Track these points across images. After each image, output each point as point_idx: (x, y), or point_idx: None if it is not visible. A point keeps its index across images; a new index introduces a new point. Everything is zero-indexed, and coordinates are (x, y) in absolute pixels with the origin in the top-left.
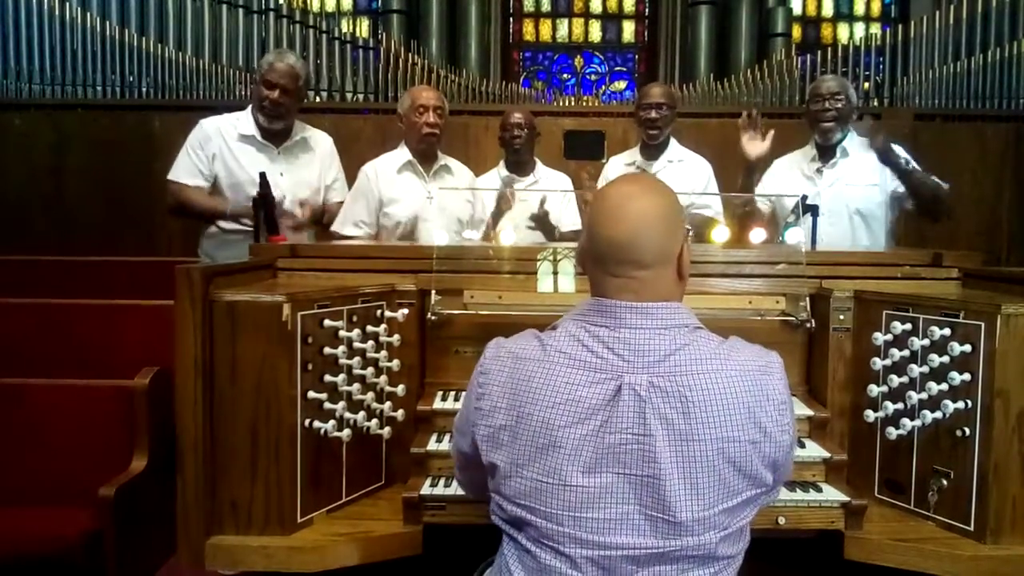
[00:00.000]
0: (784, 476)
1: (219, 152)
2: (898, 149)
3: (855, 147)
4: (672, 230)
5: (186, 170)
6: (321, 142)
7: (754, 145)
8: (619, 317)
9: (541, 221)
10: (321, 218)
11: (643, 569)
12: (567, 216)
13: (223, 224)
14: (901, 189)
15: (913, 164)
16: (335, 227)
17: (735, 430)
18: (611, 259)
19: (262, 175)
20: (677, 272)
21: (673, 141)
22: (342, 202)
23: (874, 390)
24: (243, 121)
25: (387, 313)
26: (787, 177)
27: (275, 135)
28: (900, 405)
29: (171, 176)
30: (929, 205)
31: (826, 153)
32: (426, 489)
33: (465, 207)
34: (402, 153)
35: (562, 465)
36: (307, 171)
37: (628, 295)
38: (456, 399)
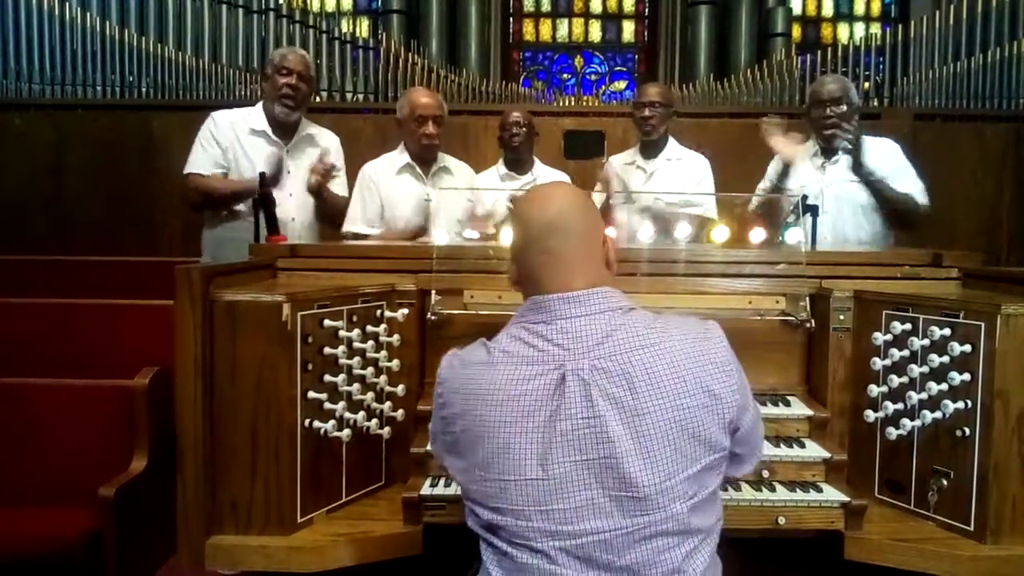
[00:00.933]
0: (754, 440)
1: (230, 145)
2: (871, 165)
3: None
4: (592, 213)
5: (204, 162)
6: (327, 140)
7: (789, 146)
8: (554, 310)
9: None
10: (321, 191)
11: (621, 557)
12: None
13: (225, 223)
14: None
15: (882, 179)
16: (346, 226)
17: (684, 397)
18: (541, 235)
19: (262, 175)
20: (605, 260)
21: (672, 140)
22: (344, 196)
23: (874, 390)
24: (254, 116)
25: (387, 313)
26: (797, 170)
27: (285, 130)
28: (900, 405)
29: (189, 169)
30: (899, 216)
31: (829, 151)
32: (426, 489)
33: (465, 206)
34: (401, 156)
35: (519, 461)
36: None
37: (559, 273)
38: None
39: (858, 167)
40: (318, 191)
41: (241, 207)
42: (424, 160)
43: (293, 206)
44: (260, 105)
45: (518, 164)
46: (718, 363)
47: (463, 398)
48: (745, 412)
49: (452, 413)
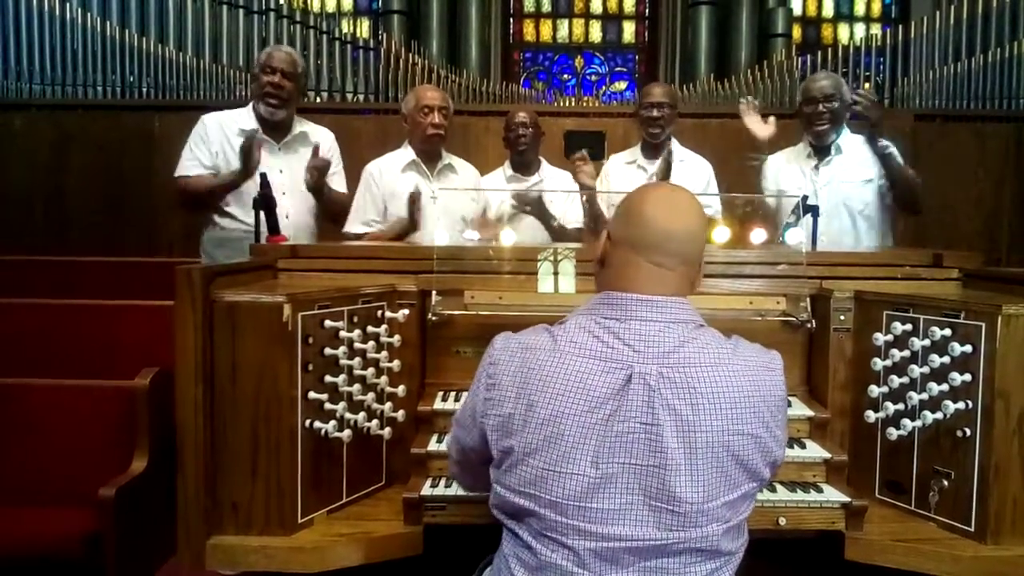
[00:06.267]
0: (776, 471)
1: (220, 148)
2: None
3: (849, 144)
4: (704, 236)
5: (192, 164)
6: (321, 137)
7: (761, 127)
8: (629, 310)
9: (535, 205)
10: (321, 188)
11: (647, 561)
12: (572, 214)
13: (224, 224)
14: (883, 180)
15: (893, 150)
16: (346, 227)
17: (740, 423)
18: (659, 248)
19: (263, 175)
20: (691, 281)
21: (674, 141)
22: (343, 192)
23: (874, 390)
24: (244, 117)
25: (388, 314)
26: (786, 172)
27: (276, 129)
28: (901, 406)
29: (178, 173)
30: (906, 196)
31: (821, 151)
32: (427, 490)
33: (469, 206)
34: (406, 152)
35: (570, 453)
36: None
37: (650, 281)
38: (457, 399)
39: (873, 141)
40: (319, 189)
41: (238, 210)
42: (429, 157)
43: (287, 204)
44: (251, 105)
45: (524, 166)
46: (777, 397)
47: (519, 382)
48: (784, 450)
49: (502, 395)
